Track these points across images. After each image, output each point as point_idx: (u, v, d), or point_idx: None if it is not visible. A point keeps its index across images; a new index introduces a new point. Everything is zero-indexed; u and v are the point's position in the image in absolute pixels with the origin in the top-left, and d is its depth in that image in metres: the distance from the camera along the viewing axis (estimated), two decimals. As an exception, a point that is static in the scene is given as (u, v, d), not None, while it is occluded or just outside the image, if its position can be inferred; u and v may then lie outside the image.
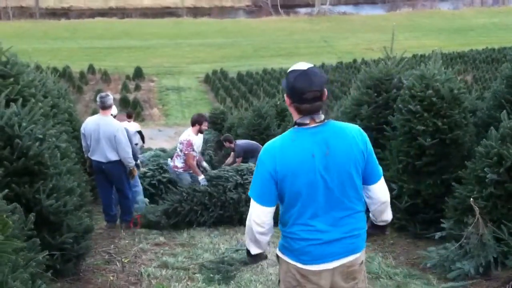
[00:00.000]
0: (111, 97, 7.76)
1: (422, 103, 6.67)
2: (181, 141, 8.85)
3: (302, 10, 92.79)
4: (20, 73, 5.66)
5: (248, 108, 19.93)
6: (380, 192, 3.03)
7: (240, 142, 11.91)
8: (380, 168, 3.04)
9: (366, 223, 3.04)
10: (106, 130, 7.44)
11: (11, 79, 5.45)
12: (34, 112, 4.79)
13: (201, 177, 8.55)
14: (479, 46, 55.44)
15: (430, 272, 5.50)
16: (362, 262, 3.02)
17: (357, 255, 2.96)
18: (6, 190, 3.59)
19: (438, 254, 5.46)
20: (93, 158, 7.57)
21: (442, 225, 5.86)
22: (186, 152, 8.68)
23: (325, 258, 2.88)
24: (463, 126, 6.74)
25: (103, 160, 7.50)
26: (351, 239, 2.91)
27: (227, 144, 11.98)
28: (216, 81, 46.31)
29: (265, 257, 3.25)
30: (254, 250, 3.08)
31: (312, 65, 2.87)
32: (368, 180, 2.97)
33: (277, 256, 3.08)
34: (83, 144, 7.71)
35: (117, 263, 5.70)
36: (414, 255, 6.19)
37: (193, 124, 8.86)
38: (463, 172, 5.87)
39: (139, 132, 14.87)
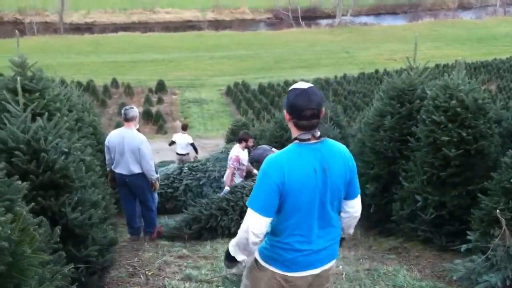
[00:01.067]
0: (135, 109, 7.84)
1: (446, 114, 6.62)
2: (230, 157, 9.63)
3: (323, 22, 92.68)
4: (46, 87, 5.73)
5: (270, 120, 19.93)
6: (356, 206, 3.31)
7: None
8: (359, 185, 3.29)
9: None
10: (131, 143, 7.51)
11: (37, 94, 5.52)
12: (60, 126, 4.85)
13: (227, 188, 9.02)
14: (502, 55, 54.81)
15: (457, 285, 5.42)
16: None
17: (335, 259, 3.28)
18: (33, 204, 3.64)
19: (464, 267, 5.38)
20: (117, 171, 7.63)
21: (468, 237, 5.78)
22: (232, 166, 9.48)
23: (313, 266, 3.14)
24: (488, 136, 6.65)
25: (126, 173, 7.56)
26: (333, 246, 3.20)
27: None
28: (237, 93, 46.40)
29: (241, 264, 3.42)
30: (241, 257, 3.32)
31: (312, 85, 3.09)
32: (349, 195, 3.22)
33: (256, 261, 3.31)
34: (107, 157, 7.78)
35: (141, 276, 5.72)
36: (440, 268, 6.10)
37: (240, 141, 9.73)
38: (489, 183, 5.79)
39: (192, 144, 15.10)
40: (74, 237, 4.62)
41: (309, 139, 3.01)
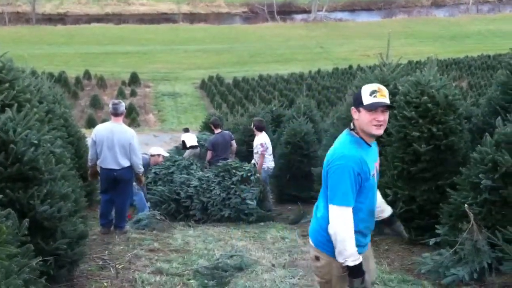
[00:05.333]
0: (123, 104, 7.85)
1: (417, 109, 6.68)
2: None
3: (299, 17, 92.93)
4: (16, 78, 5.65)
5: (243, 113, 19.94)
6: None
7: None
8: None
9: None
10: (122, 138, 7.54)
11: (6, 85, 5.44)
12: (29, 117, 4.78)
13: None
14: (474, 53, 55.64)
15: (425, 278, 5.50)
16: None
17: None
18: (0, 196, 3.59)
19: (432, 260, 5.45)
20: (104, 166, 7.60)
21: (437, 231, 5.86)
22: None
23: None
24: (458, 132, 6.74)
25: (116, 167, 7.57)
26: None
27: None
28: (212, 87, 46.33)
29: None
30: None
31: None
32: None
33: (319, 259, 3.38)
34: (91, 152, 7.72)
35: (111, 269, 5.68)
36: (408, 261, 6.19)
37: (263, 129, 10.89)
38: (458, 178, 5.87)
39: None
40: (43, 230, 4.57)
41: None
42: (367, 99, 3.20)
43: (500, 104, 7.07)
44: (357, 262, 3.13)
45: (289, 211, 10.64)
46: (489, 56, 52.23)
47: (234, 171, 9.65)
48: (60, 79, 42.40)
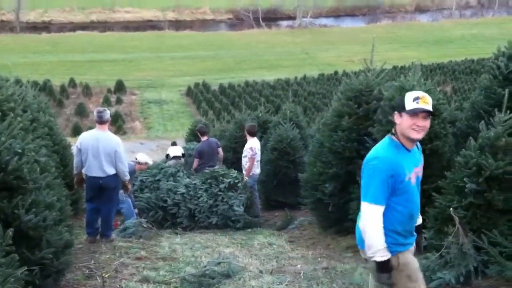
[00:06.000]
0: (108, 112, 7.82)
1: (402, 114, 6.72)
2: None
3: (284, 23, 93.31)
4: (-1, 87, 5.62)
5: (230, 120, 19.94)
6: None
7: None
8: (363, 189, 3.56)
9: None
10: (107, 146, 7.49)
11: (-10, 93, 5.40)
12: (13, 126, 4.75)
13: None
14: (458, 58, 56.21)
15: (412, 282, 5.51)
16: None
17: None
18: (-16, 206, 3.55)
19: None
20: (89, 174, 7.55)
21: (423, 235, 5.89)
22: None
23: None
24: (443, 137, 6.78)
25: (102, 175, 7.52)
26: None
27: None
28: (198, 94, 46.32)
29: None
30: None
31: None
32: None
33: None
34: (76, 160, 7.67)
35: (98, 278, 5.65)
36: (395, 265, 6.20)
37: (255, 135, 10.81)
38: (443, 182, 5.90)
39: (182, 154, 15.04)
40: (28, 240, 4.53)
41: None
42: (409, 105, 3.36)
43: (483, 108, 7.11)
44: (384, 258, 3.33)
45: (276, 217, 10.64)
46: (472, 61, 52.80)
47: (221, 178, 9.65)
48: (45, 88, 42.20)
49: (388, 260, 3.35)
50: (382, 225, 3.34)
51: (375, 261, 3.35)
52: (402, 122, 3.40)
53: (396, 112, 3.45)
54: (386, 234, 3.37)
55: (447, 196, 5.74)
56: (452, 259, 5.16)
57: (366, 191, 3.40)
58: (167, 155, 14.59)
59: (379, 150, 3.48)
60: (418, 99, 3.35)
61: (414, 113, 3.34)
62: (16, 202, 4.45)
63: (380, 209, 3.35)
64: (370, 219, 3.36)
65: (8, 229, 3.79)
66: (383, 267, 3.35)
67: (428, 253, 5.51)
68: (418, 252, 3.88)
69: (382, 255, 3.32)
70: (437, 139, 6.69)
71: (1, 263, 3.41)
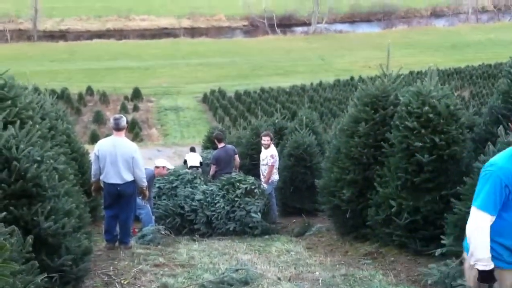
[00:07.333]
0: (124, 118, 7.86)
1: (419, 120, 6.69)
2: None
3: (299, 29, 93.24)
4: (18, 95, 5.67)
5: (246, 127, 19.96)
6: None
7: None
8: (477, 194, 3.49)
9: None
10: (125, 152, 7.54)
11: (9, 102, 5.46)
12: (32, 134, 4.80)
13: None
14: (475, 62, 55.74)
15: (431, 289, 5.47)
16: None
17: None
18: (4, 213, 3.60)
19: (439, 271, 5.42)
20: (107, 181, 7.59)
21: (442, 241, 5.84)
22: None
23: None
24: (461, 142, 6.74)
25: (120, 182, 7.56)
26: None
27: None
28: (214, 101, 46.42)
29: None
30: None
31: None
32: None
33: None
34: (94, 167, 7.71)
35: (116, 285, 5.67)
36: (415, 272, 6.16)
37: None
38: (462, 188, 5.86)
39: (200, 163, 15.10)
40: (47, 247, 4.57)
41: None
42: None
43: (501, 113, 7.05)
44: (487, 268, 3.22)
45: (293, 223, 10.62)
46: (490, 65, 52.32)
47: (238, 184, 9.65)
48: (63, 96, 42.56)
49: (492, 270, 3.23)
50: (488, 233, 3.21)
51: (477, 269, 3.25)
52: None
53: None
54: (491, 247, 3.24)
55: (467, 202, 5.67)
56: (472, 266, 5.10)
57: (477, 196, 3.31)
58: (185, 161, 14.63)
59: (499, 158, 3.35)
60: None
61: None
62: (35, 210, 4.49)
63: (488, 217, 3.23)
64: (476, 226, 3.24)
65: (28, 236, 3.82)
66: (485, 277, 3.23)
67: (448, 259, 5.46)
68: None
69: (486, 264, 3.21)
70: (455, 145, 6.64)
71: (21, 270, 3.43)
